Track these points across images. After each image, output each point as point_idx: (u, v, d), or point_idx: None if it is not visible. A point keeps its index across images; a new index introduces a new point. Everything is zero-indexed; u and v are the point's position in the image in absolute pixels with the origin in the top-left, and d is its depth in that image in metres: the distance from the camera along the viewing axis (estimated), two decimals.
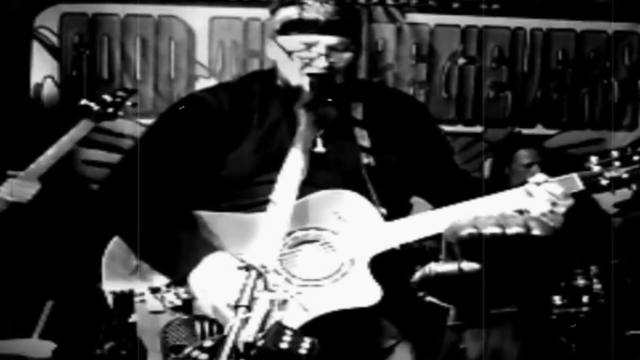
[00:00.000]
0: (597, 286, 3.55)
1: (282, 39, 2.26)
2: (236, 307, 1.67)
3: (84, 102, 3.79)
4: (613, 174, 2.14)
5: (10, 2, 4.43)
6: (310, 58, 2.22)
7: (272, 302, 1.70)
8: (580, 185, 2.15)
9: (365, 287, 2.13)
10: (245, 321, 1.64)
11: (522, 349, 1.75)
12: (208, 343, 1.94)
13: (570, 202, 2.14)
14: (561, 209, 2.12)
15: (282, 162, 2.02)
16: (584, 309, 3.51)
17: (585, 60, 4.74)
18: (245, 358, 1.61)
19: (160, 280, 2.21)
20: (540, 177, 2.17)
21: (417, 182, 2.42)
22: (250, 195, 2.25)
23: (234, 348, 1.61)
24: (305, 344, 1.67)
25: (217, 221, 2.26)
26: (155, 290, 2.19)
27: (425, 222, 2.19)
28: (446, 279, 1.78)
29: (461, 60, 4.71)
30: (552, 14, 4.69)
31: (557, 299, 3.49)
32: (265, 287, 1.71)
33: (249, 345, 1.62)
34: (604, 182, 2.16)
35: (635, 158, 2.15)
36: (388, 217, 2.23)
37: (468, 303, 1.80)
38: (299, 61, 2.23)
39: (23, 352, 3.05)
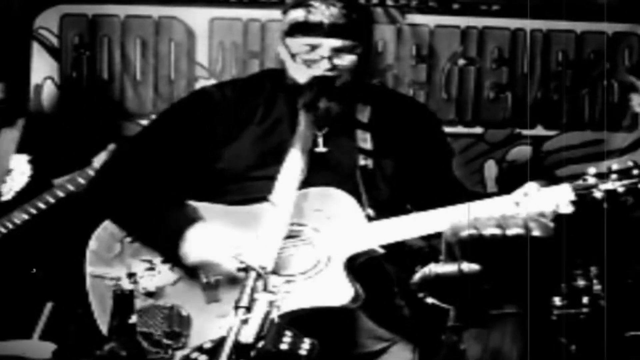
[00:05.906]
0: (597, 287, 3.54)
1: (288, 41, 2.31)
2: (236, 308, 1.67)
3: None
4: (609, 186, 2.10)
5: (10, 3, 4.43)
6: (312, 60, 2.25)
7: (271, 303, 1.70)
8: (572, 196, 2.12)
9: (337, 287, 2.10)
10: (245, 322, 1.65)
11: (522, 350, 1.75)
12: (208, 344, 1.95)
13: (556, 212, 2.11)
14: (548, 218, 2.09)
15: (280, 159, 2.04)
16: (584, 309, 3.51)
17: (585, 61, 4.73)
18: (245, 359, 1.62)
19: (139, 267, 2.25)
20: (532, 185, 2.15)
21: (412, 190, 2.42)
22: (246, 190, 2.26)
23: (234, 349, 1.61)
24: (305, 344, 1.67)
25: (210, 211, 2.28)
26: (131, 275, 2.23)
27: (407, 224, 2.17)
28: (446, 280, 1.78)
29: (461, 61, 4.71)
30: (552, 15, 4.69)
31: (557, 300, 3.49)
32: (265, 289, 1.71)
33: (248, 347, 1.62)
34: (597, 194, 2.12)
35: (635, 172, 2.11)
36: (375, 220, 2.21)
37: (468, 304, 1.80)
38: (302, 63, 2.26)
39: (23, 353, 3.04)
